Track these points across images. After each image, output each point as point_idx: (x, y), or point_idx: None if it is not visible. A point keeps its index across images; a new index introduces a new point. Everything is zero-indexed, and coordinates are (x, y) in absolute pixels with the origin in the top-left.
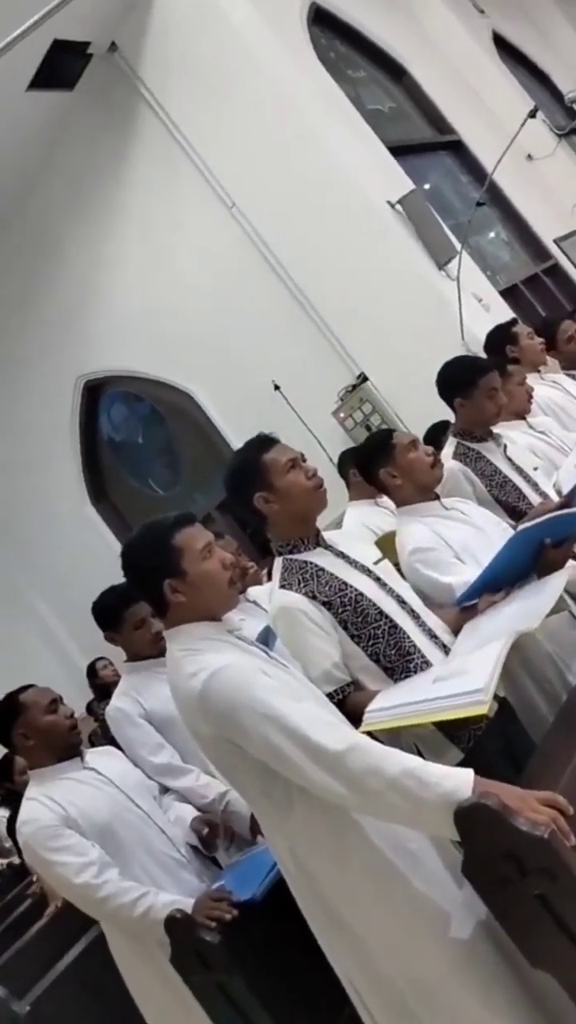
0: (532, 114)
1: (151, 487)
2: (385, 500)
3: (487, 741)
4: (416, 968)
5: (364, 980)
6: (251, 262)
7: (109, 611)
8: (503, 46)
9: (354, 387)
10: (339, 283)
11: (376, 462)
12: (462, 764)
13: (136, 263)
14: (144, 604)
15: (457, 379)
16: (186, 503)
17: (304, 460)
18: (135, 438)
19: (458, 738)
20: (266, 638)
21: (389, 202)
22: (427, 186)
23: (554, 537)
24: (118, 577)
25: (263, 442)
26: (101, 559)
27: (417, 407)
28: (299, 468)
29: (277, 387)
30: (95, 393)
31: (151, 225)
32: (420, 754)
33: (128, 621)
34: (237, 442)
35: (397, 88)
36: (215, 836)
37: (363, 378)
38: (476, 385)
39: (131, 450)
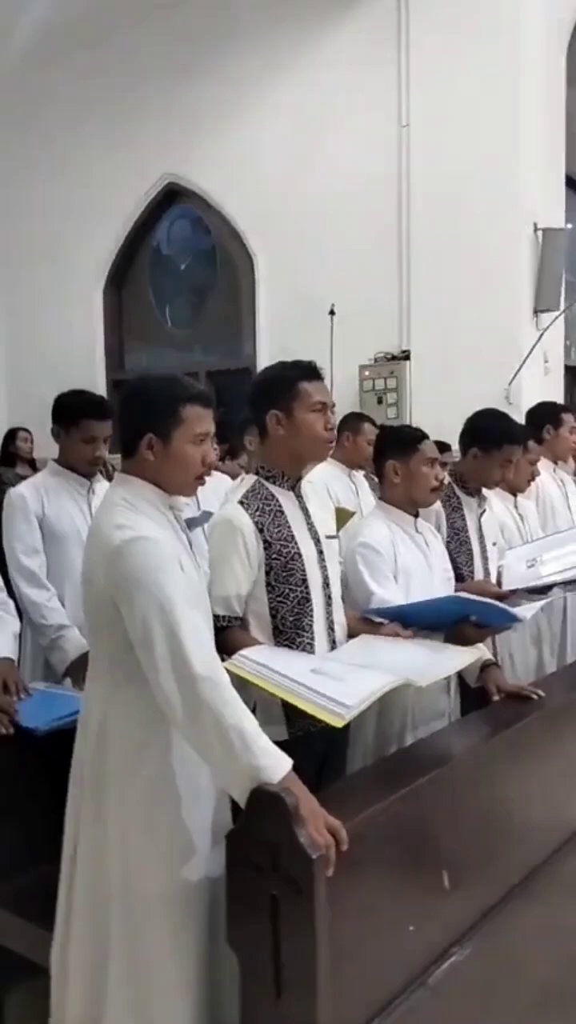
0: None
1: (163, 314)
2: (358, 475)
3: (312, 742)
4: (137, 880)
5: (86, 866)
6: (385, 186)
7: (73, 410)
8: None
9: (394, 358)
10: (442, 261)
11: (393, 451)
12: (281, 744)
13: (290, 115)
14: (108, 427)
15: (486, 433)
16: (184, 349)
17: (332, 410)
18: (180, 263)
19: (293, 723)
20: (191, 524)
21: (536, 224)
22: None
23: (481, 620)
24: (83, 374)
25: (309, 370)
26: (80, 346)
27: (432, 417)
28: (323, 414)
29: (332, 312)
30: (171, 198)
31: (323, 93)
32: (254, 711)
33: (83, 430)
34: (265, 327)
35: None
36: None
37: (407, 356)
38: (499, 448)
39: (169, 270)
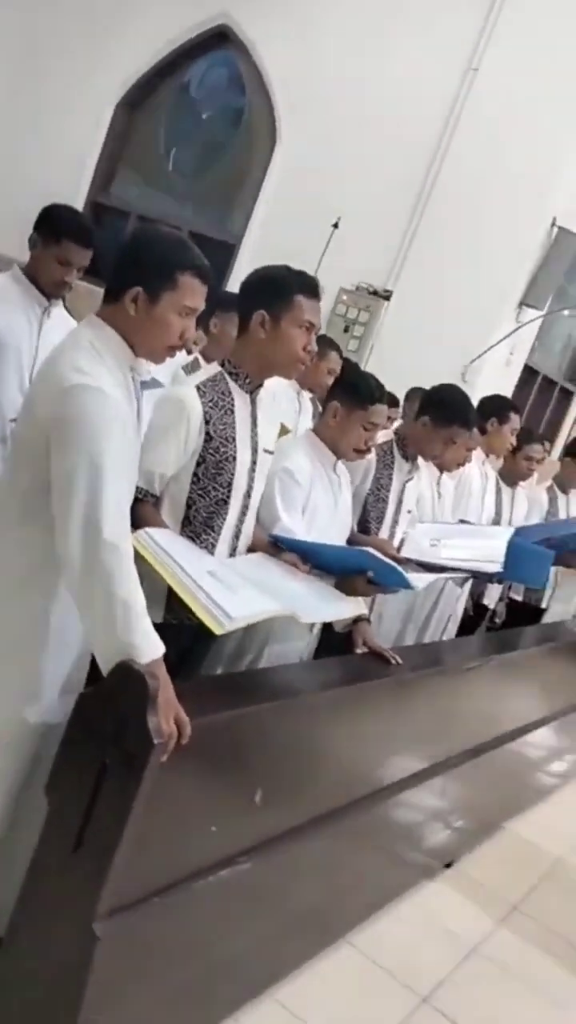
0: None
1: (168, 156)
2: (306, 396)
3: (181, 633)
4: None
5: None
6: (430, 124)
7: (60, 227)
8: None
9: (375, 293)
10: (456, 220)
11: (346, 397)
12: (155, 626)
13: (366, 14)
14: (88, 257)
15: (445, 408)
16: (176, 199)
17: (316, 333)
18: (203, 111)
19: (172, 609)
20: (143, 384)
21: (555, 219)
22: None
23: (377, 578)
24: (64, 187)
25: (311, 287)
26: (70, 158)
27: (388, 365)
28: (308, 334)
29: (336, 226)
30: (219, 41)
31: (407, 8)
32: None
33: (63, 251)
34: (262, 213)
35: None
36: None
37: (387, 296)
38: (450, 427)
39: (190, 114)
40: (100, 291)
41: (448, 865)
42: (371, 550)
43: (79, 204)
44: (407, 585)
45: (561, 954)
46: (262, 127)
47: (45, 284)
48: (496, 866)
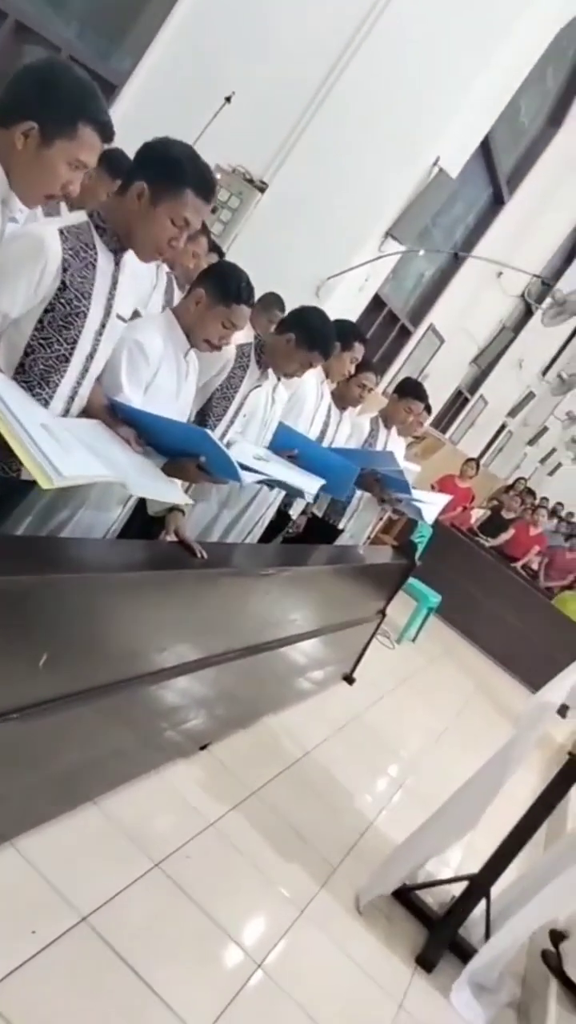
0: None
1: None
2: (172, 275)
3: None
4: None
5: None
6: (340, 31)
7: None
8: None
9: (251, 181)
10: (345, 131)
11: (213, 288)
12: None
13: None
14: None
15: (309, 332)
16: (58, 13)
17: (190, 234)
18: None
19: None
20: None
21: (438, 158)
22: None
23: (209, 465)
24: None
25: (206, 186)
26: None
27: (247, 258)
28: (179, 233)
29: (228, 100)
30: None
31: None
32: None
33: None
34: (153, 63)
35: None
36: None
37: (262, 189)
38: (311, 351)
39: None
40: None
41: (203, 747)
42: (211, 434)
43: None
44: (236, 478)
45: (282, 841)
46: None
47: None
48: (246, 754)
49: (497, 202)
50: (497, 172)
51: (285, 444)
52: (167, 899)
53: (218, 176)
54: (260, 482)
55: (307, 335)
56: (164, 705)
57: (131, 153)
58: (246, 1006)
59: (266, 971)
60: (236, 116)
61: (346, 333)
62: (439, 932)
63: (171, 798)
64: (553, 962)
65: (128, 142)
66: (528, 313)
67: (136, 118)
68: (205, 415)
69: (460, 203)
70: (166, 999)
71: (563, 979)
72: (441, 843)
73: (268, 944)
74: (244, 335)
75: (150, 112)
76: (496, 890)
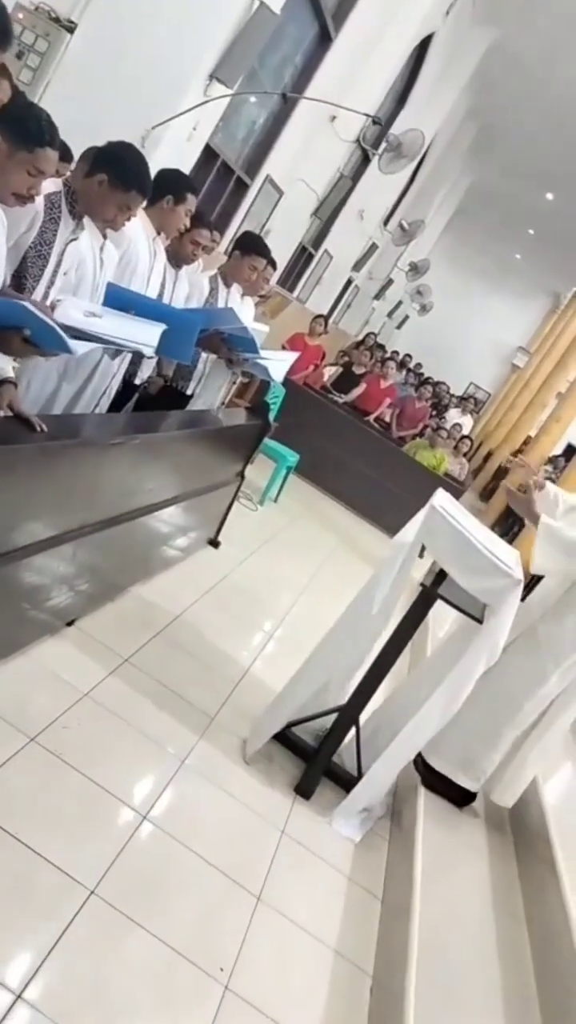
0: None
1: None
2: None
3: None
4: None
5: None
6: None
7: None
8: None
9: (57, 21)
10: None
11: (19, 137)
12: None
13: None
14: None
15: (121, 169)
16: None
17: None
18: None
19: None
20: None
21: None
22: (281, 18)
23: (33, 337)
24: None
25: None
26: None
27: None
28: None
29: None
30: None
31: None
32: None
33: None
34: None
35: None
36: None
37: (71, 28)
38: (128, 191)
39: None
40: None
41: (70, 623)
42: (29, 305)
43: None
44: (66, 348)
45: (160, 700)
46: None
47: None
48: (115, 625)
49: (325, 39)
50: (322, 5)
51: (117, 305)
52: (46, 770)
53: (20, 16)
54: (97, 347)
55: (120, 173)
56: (22, 585)
57: None
58: (136, 855)
59: (152, 821)
60: None
61: (176, 184)
62: (314, 763)
63: (42, 675)
64: (418, 759)
65: None
66: (365, 160)
67: None
68: (21, 277)
69: (286, 42)
70: (53, 860)
71: (426, 773)
72: (320, 681)
73: (152, 797)
74: (52, 184)
75: None
76: (364, 716)
